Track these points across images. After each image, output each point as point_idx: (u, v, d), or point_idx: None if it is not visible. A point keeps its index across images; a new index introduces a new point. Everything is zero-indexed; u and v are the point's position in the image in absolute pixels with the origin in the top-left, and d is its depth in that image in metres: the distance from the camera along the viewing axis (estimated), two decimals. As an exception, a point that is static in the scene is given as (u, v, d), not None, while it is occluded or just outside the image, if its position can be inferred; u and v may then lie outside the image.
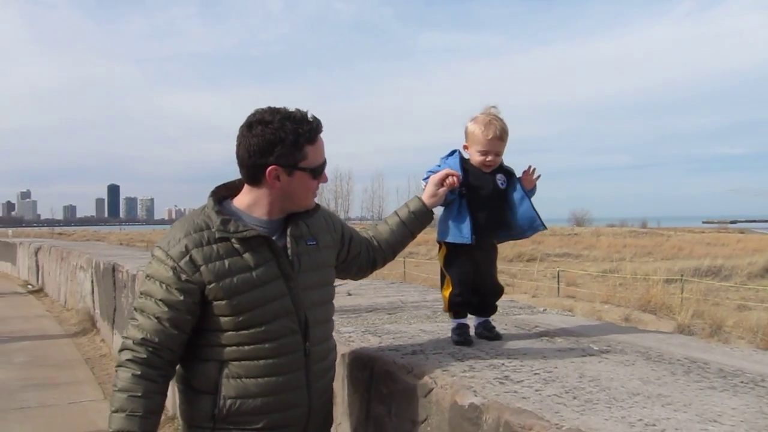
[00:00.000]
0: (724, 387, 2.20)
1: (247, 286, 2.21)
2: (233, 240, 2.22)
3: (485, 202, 2.79)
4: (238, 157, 2.27)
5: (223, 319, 2.22)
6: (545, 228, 2.85)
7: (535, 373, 2.39)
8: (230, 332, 2.22)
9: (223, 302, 2.19)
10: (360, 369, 2.85)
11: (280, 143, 2.19)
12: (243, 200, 2.34)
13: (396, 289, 5.68)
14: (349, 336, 3.23)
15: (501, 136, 2.75)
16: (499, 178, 2.84)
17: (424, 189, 2.83)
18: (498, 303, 3.00)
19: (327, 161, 2.36)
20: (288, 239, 2.33)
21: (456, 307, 2.87)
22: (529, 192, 2.88)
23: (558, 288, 18.66)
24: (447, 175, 2.73)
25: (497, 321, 3.54)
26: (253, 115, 2.23)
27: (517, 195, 2.85)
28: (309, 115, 2.25)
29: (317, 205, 2.46)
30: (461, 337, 2.87)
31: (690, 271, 22.16)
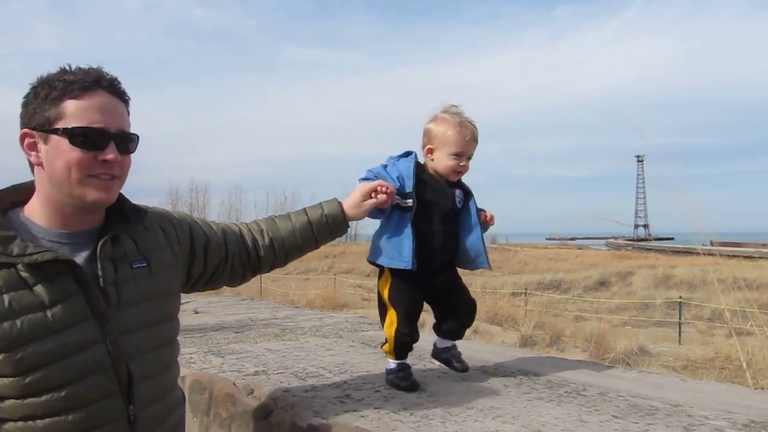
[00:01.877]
0: (551, 397, 2.33)
1: (38, 332, 1.54)
2: (19, 267, 1.56)
3: (441, 221, 2.39)
4: None
5: (0, 382, 1.54)
6: (489, 267, 2.47)
7: (376, 391, 2.41)
8: (11, 401, 1.55)
9: (0, 357, 1.52)
10: (199, 392, 2.73)
11: (35, 99, 1.63)
12: (33, 205, 1.70)
13: (246, 306, 5.56)
14: (190, 357, 3.11)
15: (476, 137, 2.39)
16: (458, 195, 2.46)
17: None
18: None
19: (124, 133, 1.67)
20: (99, 263, 1.67)
21: (403, 349, 2.43)
22: (482, 226, 2.50)
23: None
24: (378, 187, 2.24)
25: (345, 338, 3.55)
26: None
27: (470, 219, 2.46)
28: (85, 66, 1.67)
29: (143, 211, 1.84)
30: (407, 381, 2.42)
31: (534, 284, 23.52)
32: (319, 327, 4.10)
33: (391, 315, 2.38)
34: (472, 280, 24.55)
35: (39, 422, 1.55)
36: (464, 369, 2.58)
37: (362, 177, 2.34)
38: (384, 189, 2.23)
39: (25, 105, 1.64)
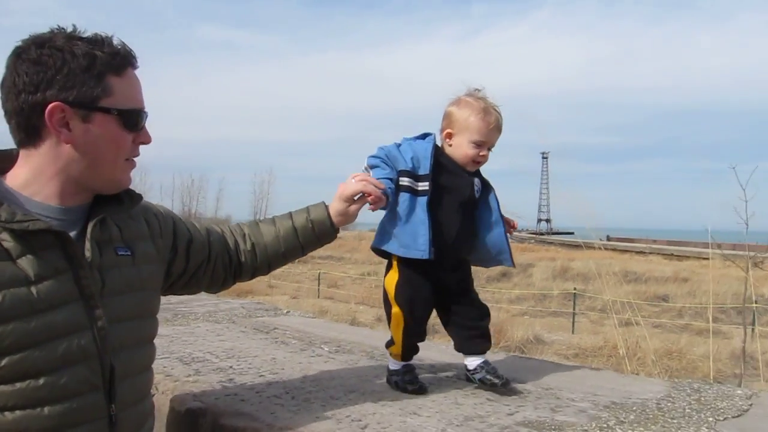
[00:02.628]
0: (431, 381, 2.40)
1: (21, 309, 1.37)
2: (2, 236, 1.39)
3: (457, 210, 2.21)
4: (4, 107, 1.49)
5: None
6: (513, 265, 2.31)
7: (261, 375, 2.42)
8: None
9: None
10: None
11: (65, 67, 1.43)
12: (18, 175, 1.50)
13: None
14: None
15: (500, 126, 2.23)
16: (476, 184, 2.28)
17: (365, 173, 2.11)
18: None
19: (148, 114, 1.60)
20: (87, 243, 1.51)
21: (412, 351, 2.28)
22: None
23: (318, 290, 19.12)
24: (364, 192, 2.01)
25: (238, 324, 3.53)
26: (25, 39, 1.48)
27: (492, 216, 2.29)
28: (115, 40, 1.52)
29: (138, 196, 1.69)
30: (414, 384, 2.23)
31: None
32: (213, 312, 4.04)
33: (398, 314, 2.19)
34: (378, 269, 24.83)
35: (9, 415, 1.36)
36: (506, 383, 2.25)
37: (371, 155, 2.16)
38: (369, 193, 2.00)
39: (46, 69, 1.43)
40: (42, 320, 1.38)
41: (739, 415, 2.09)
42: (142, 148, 1.61)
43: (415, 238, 2.09)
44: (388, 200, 2.07)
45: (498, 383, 2.22)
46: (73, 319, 1.43)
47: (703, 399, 2.26)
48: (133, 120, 1.53)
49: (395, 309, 2.20)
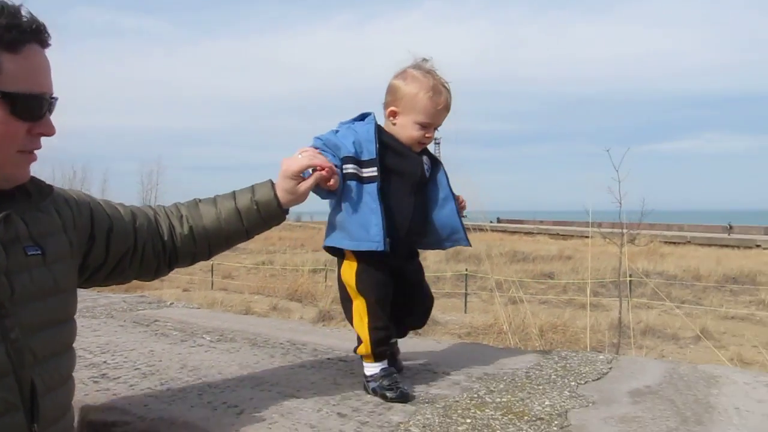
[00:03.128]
0: (313, 365, 2.42)
1: None
2: None
3: (409, 193, 2.06)
4: None
5: None
6: (469, 244, 2.17)
7: (136, 368, 2.35)
8: None
9: None
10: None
11: None
12: None
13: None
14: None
15: (449, 105, 2.05)
16: (426, 162, 2.13)
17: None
18: None
19: (56, 100, 1.40)
20: None
21: (382, 347, 2.05)
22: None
23: (212, 281, 18.70)
24: (312, 166, 1.86)
25: (116, 318, 3.41)
26: None
27: (441, 192, 2.14)
28: (23, 10, 1.31)
29: (48, 187, 1.51)
30: (394, 390, 1.99)
31: (333, 261, 24.03)
32: (92, 308, 3.87)
33: (360, 307, 2.01)
34: (274, 258, 24.58)
35: None
36: (400, 368, 2.25)
37: (310, 146, 1.99)
38: (321, 166, 1.86)
39: None
40: None
41: (598, 378, 2.24)
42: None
43: (366, 229, 1.92)
44: (336, 182, 1.91)
45: (399, 366, 2.23)
46: None
47: (568, 366, 2.40)
48: (27, 106, 1.31)
49: (357, 302, 2.02)
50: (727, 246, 27.12)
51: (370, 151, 1.97)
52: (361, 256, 1.99)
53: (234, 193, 1.89)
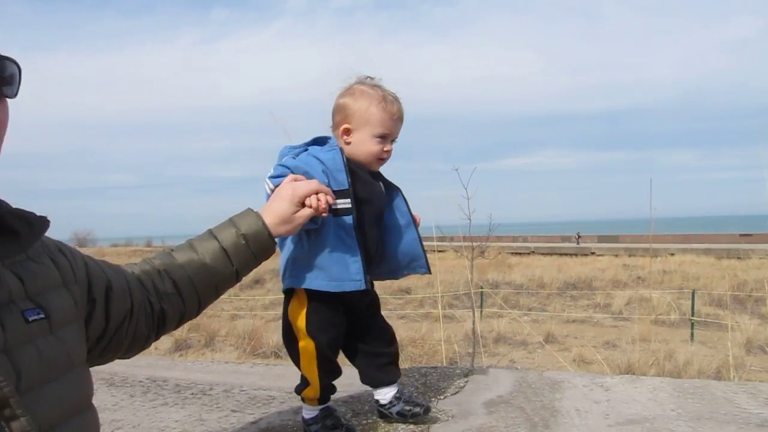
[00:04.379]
0: (176, 401, 2.37)
1: None
2: None
3: (374, 224, 1.92)
4: None
5: None
6: (429, 272, 2.01)
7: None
8: None
9: None
10: None
11: None
12: None
13: None
14: None
15: (402, 116, 1.93)
16: (381, 188, 2.00)
17: (270, 195, 1.69)
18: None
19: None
20: None
21: (330, 389, 1.94)
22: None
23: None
24: (317, 191, 1.64)
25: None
26: None
27: (401, 219, 2.00)
28: None
29: (43, 221, 1.09)
30: (339, 428, 1.91)
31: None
32: None
33: (309, 349, 1.86)
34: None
35: None
36: (427, 410, 2.03)
37: (273, 175, 1.75)
38: (326, 192, 1.66)
39: None
40: None
41: (456, 392, 2.38)
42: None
43: (346, 268, 1.78)
44: (333, 201, 1.72)
45: (420, 411, 2.00)
46: None
47: (428, 382, 2.52)
48: None
49: (304, 342, 1.86)
50: (566, 254, 29.15)
51: (340, 182, 1.80)
52: (313, 295, 1.83)
53: (210, 231, 1.59)
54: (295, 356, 1.91)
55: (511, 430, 1.97)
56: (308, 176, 1.73)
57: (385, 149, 1.89)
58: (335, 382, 1.95)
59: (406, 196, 2.03)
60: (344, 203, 1.79)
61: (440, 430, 1.97)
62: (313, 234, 1.78)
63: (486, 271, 19.95)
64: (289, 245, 1.85)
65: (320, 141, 1.93)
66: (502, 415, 2.10)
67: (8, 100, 0.97)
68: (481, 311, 13.95)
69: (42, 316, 1.02)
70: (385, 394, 2.02)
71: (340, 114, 1.91)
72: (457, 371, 2.69)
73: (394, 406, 2.00)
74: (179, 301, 1.47)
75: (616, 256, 26.65)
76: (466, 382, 2.52)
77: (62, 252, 1.19)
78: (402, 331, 11.72)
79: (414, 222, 2.01)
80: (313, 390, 1.89)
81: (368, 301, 1.99)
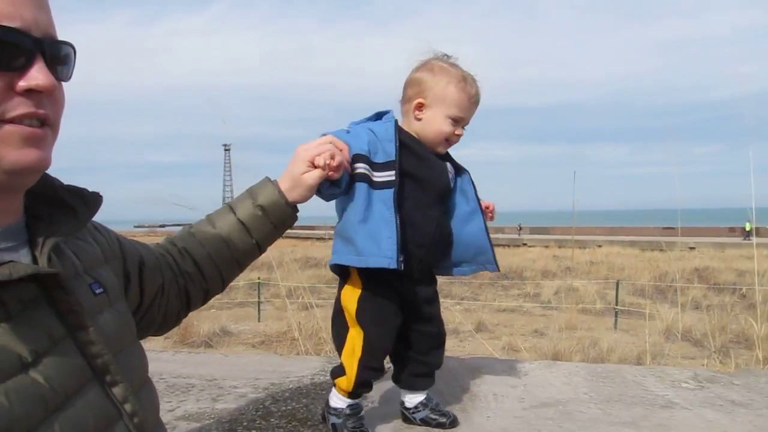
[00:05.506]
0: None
1: (34, 411, 0.82)
2: None
3: (432, 205, 1.78)
4: None
5: None
6: (497, 269, 1.85)
7: None
8: None
9: None
10: None
11: None
12: None
13: None
14: None
15: (479, 100, 1.80)
16: (450, 170, 1.86)
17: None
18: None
19: (55, 42, 0.92)
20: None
21: (365, 387, 1.81)
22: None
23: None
24: (327, 151, 1.51)
25: None
26: None
27: (467, 205, 1.86)
28: None
29: (96, 197, 1.08)
30: (359, 427, 1.79)
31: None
32: None
33: (356, 339, 1.73)
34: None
35: None
36: (453, 421, 1.92)
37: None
38: (331, 153, 1.51)
39: None
40: (66, 421, 0.85)
41: (379, 380, 2.39)
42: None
43: (377, 242, 1.61)
44: (343, 178, 1.60)
45: (446, 422, 1.90)
46: (100, 409, 0.92)
47: (351, 368, 2.53)
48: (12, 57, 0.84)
49: (354, 331, 1.74)
50: (499, 245, 29.74)
51: (387, 152, 1.68)
52: (368, 279, 1.70)
53: (229, 205, 1.56)
54: (339, 342, 1.79)
55: (428, 414, 1.99)
56: (350, 146, 1.63)
57: (456, 132, 1.78)
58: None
59: (474, 180, 1.89)
60: (386, 175, 1.66)
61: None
62: (350, 205, 1.65)
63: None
64: (339, 220, 1.73)
65: (381, 114, 1.82)
66: (421, 400, 2.12)
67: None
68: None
69: (102, 290, 1.04)
70: (412, 398, 1.93)
71: (414, 88, 1.79)
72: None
73: (419, 411, 1.91)
74: (201, 279, 1.47)
75: (547, 247, 27.36)
76: (389, 369, 2.54)
77: (97, 229, 1.21)
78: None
79: (482, 211, 1.86)
80: (347, 382, 1.75)
81: (428, 294, 1.84)
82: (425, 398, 1.92)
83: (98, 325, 0.96)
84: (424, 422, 1.90)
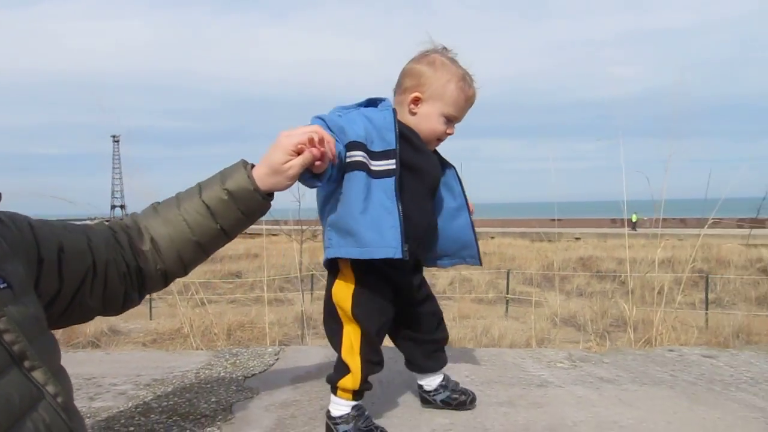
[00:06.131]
0: None
1: None
2: None
3: (425, 197, 1.77)
4: None
5: None
6: (480, 263, 1.87)
7: None
8: None
9: None
10: None
11: None
12: None
13: None
14: None
15: (474, 101, 1.78)
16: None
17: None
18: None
19: None
20: None
21: (368, 384, 1.72)
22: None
23: None
24: (313, 140, 1.43)
25: None
26: None
27: (454, 200, 1.86)
28: None
29: None
30: (370, 426, 1.71)
31: None
32: None
33: (353, 335, 1.67)
34: None
35: None
36: (473, 399, 1.94)
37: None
38: (316, 143, 1.43)
39: None
40: None
41: (265, 370, 2.38)
42: None
43: (380, 232, 1.55)
44: (327, 171, 1.52)
45: (466, 400, 1.91)
46: (23, 389, 0.98)
47: (238, 362, 2.50)
48: None
49: (350, 327, 1.69)
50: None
51: (387, 141, 1.63)
52: (363, 272, 1.66)
53: (199, 185, 1.49)
54: (336, 341, 1.73)
55: (314, 402, 2.00)
56: (343, 133, 1.58)
57: (447, 131, 1.76)
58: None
59: (460, 176, 1.90)
60: (385, 164, 1.61)
61: (244, 407, 1.96)
62: (347, 195, 1.58)
63: (319, 254, 20.03)
64: (325, 211, 1.68)
65: (374, 102, 1.76)
66: (307, 389, 2.13)
67: None
68: (312, 293, 14.06)
69: (5, 285, 1.04)
70: (431, 382, 1.91)
71: (412, 79, 1.74)
72: (269, 350, 2.69)
73: (440, 393, 1.91)
74: (157, 259, 1.43)
75: (442, 239, 27.91)
76: (277, 359, 2.53)
77: (2, 222, 1.17)
78: (230, 316, 11.54)
79: (468, 206, 1.88)
80: (353, 380, 1.68)
81: (419, 281, 1.83)
82: (443, 379, 1.92)
83: (10, 315, 0.99)
84: (445, 403, 1.90)
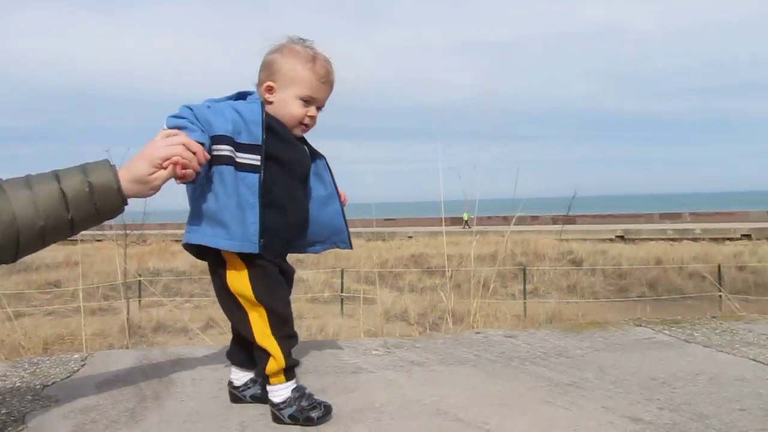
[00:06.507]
0: None
1: None
2: None
3: (298, 187, 1.82)
4: None
5: None
6: (350, 247, 1.97)
7: None
8: None
9: None
10: None
11: None
12: None
13: None
14: None
15: (332, 80, 1.81)
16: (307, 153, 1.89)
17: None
18: None
19: None
20: None
21: (293, 360, 1.75)
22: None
23: None
24: (180, 156, 1.51)
25: None
26: None
27: (324, 189, 1.92)
28: None
29: None
30: (319, 409, 1.73)
31: None
32: None
33: (261, 317, 1.70)
34: None
35: None
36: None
37: (172, 114, 1.62)
38: (183, 163, 1.52)
39: None
40: None
41: (68, 377, 2.24)
42: None
43: (245, 228, 1.63)
44: (198, 174, 1.58)
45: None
46: None
47: (38, 371, 2.33)
48: None
49: (255, 313, 1.71)
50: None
51: (253, 135, 1.67)
52: (251, 259, 1.69)
53: (55, 172, 1.44)
54: (245, 328, 1.73)
55: (118, 405, 1.92)
56: (209, 126, 1.62)
57: (308, 114, 1.79)
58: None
59: (330, 166, 1.96)
60: (250, 158, 1.66)
61: (39, 416, 1.83)
62: (215, 188, 1.64)
63: (147, 259, 19.19)
64: (194, 198, 1.69)
65: (243, 95, 1.81)
66: (113, 393, 2.04)
67: None
68: (140, 301, 13.42)
69: None
70: (241, 377, 1.91)
71: (265, 71, 1.79)
72: (75, 357, 2.53)
73: (250, 389, 1.90)
74: None
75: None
76: (83, 365, 2.39)
77: None
78: (48, 329, 10.72)
79: (338, 194, 1.95)
80: (277, 361, 1.70)
81: (292, 270, 1.86)
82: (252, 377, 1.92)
83: None
84: (258, 399, 1.88)
